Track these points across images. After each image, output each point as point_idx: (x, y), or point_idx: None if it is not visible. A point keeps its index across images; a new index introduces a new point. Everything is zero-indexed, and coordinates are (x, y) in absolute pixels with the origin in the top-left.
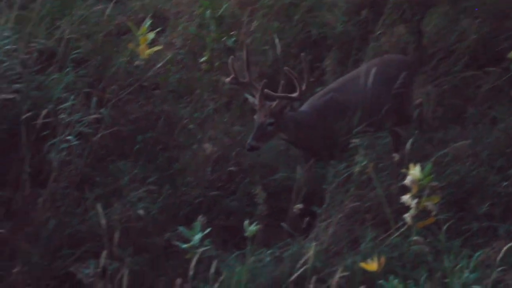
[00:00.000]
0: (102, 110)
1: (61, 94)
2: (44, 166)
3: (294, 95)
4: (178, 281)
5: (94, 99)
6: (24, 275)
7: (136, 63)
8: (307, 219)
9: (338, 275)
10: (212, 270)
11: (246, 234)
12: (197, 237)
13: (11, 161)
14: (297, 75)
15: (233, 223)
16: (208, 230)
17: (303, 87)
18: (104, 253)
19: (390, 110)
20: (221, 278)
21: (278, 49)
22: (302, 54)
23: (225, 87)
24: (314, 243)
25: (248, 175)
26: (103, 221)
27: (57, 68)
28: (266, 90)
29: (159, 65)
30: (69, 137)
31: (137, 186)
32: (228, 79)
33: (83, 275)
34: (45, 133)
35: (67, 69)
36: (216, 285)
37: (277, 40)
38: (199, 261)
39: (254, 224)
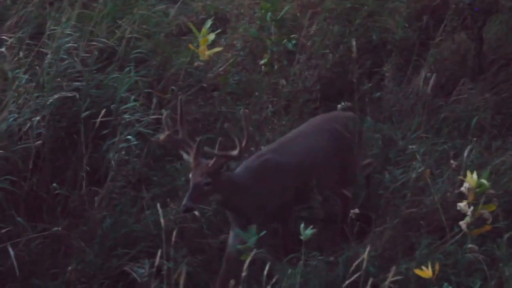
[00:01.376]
0: (162, 111)
1: (123, 94)
2: (102, 165)
3: (234, 153)
4: (232, 282)
5: (155, 99)
6: (78, 273)
7: (196, 64)
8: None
9: (389, 279)
10: (265, 272)
11: (302, 237)
12: (253, 239)
13: (70, 159)
14: (238, 133)
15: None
16: (263, 232)
17: (244, 145)
18: (159, 253)
19: (334, 171)
20: (274, 281)
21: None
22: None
23: (284, 89)
24: (368, 248)
25: None
26: (162, 221)
27: (117, 67)
28: (206, 148)
29: (219, 66)
30: (128, 137)
31: None
32: (162, 137)
33: (138, 275)
34: (104, 132)
35: (127, 68)
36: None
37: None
38: (252, 263)
39: (310, 228)
